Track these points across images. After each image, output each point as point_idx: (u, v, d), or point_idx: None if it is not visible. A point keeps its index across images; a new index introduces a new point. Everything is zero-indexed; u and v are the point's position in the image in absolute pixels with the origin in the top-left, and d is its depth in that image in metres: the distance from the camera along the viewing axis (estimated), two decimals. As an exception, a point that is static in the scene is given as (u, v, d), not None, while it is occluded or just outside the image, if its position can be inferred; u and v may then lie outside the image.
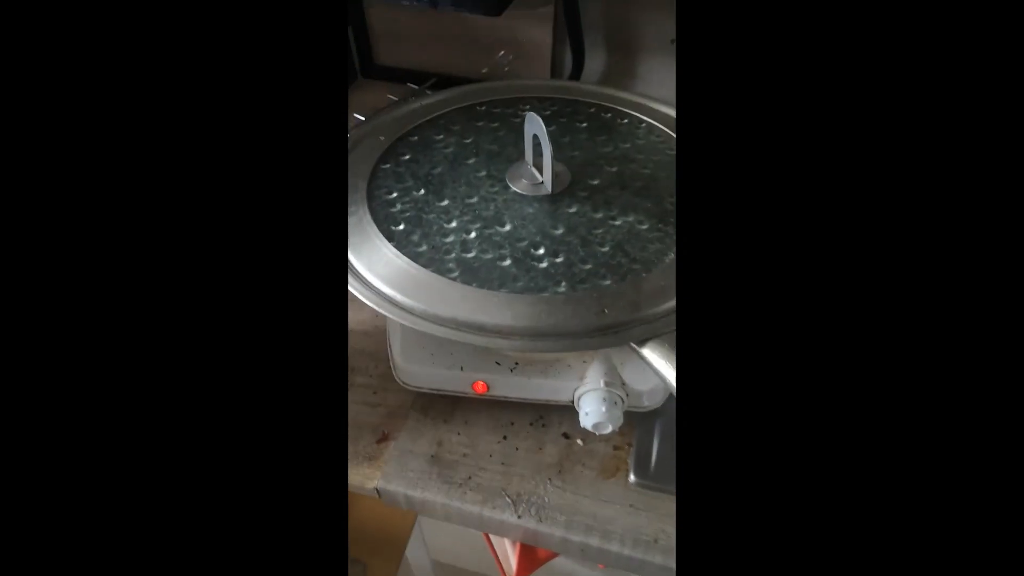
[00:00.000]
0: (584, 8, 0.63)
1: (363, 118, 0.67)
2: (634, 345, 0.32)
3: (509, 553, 0.46)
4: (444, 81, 0.70)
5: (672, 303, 0.33)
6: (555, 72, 0.69)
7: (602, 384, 0.38)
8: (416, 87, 0.70)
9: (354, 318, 0.48)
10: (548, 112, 0.46)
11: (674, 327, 0.32)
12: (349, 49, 0.72)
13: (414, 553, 0.54)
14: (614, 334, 0.32)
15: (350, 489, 0.40)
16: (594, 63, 0.67)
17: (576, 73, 0.66)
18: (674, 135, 0.44)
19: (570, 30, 0.63)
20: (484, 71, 0.70)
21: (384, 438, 0.41)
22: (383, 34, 0.71)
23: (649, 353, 0.31)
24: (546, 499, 0.38)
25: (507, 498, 0.38)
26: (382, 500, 0.40)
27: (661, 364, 0.31)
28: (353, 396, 0.43)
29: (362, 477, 0.39)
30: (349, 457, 0.40)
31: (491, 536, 0.48)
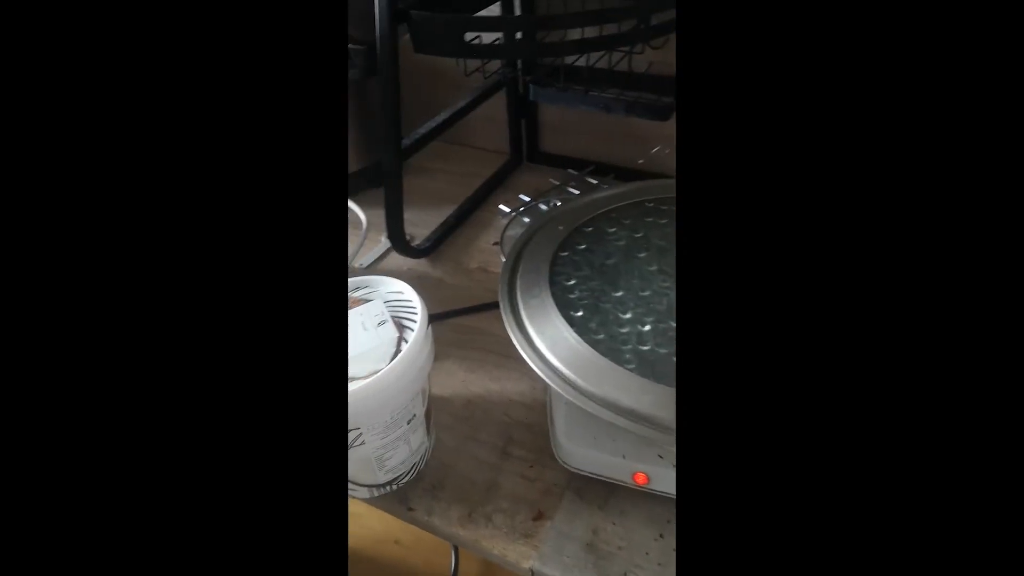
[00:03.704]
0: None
1: (528, 198, 0.72)
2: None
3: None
4: (601, 168, 0.75)
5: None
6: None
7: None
8: (576, 172, 0.74)
9: (514, 388, 0.50)
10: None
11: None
12: (520, 135, 0.78)
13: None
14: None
15: (506, 566, 0.41)
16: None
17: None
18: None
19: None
20: (640, 162, 0.73)
21: (540, 516, 0.42)
22: (550, 125, 0.77)
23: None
24: (706, 607, 0.37)
25: (664, 600, 0.37)
26: (534, 580, 0.40)
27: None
28: (510, 467, 0.45)
29: (518, 555, 0.40)
30: (507, 531, 0.42)
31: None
